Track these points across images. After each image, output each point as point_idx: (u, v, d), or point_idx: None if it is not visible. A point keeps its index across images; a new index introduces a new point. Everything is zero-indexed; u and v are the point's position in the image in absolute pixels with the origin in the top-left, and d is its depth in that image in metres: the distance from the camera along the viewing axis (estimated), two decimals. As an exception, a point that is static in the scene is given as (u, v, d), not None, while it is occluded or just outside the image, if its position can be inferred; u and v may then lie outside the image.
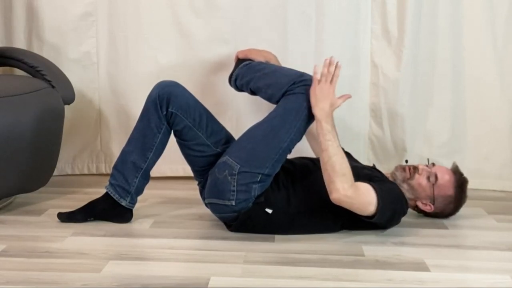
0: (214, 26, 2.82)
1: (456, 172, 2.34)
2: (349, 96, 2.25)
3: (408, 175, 2.29)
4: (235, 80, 2.50)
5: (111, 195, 2.29)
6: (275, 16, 2.81)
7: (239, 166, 2.16)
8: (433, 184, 2.28)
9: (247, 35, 2.82)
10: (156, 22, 2.84)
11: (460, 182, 2.32)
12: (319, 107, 2.16)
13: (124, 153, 2.32)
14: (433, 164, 2.34)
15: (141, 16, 2.84)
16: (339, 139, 2.17)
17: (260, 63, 2.49)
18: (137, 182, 2.30)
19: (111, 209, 2.30)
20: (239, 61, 2.57)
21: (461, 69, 2.82)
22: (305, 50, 2.82)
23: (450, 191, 2.31)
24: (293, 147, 2.23)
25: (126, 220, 2.32)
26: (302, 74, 2.27)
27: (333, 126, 2.16)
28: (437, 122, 2.88)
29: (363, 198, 2.10)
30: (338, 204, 2.10)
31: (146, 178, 2.33)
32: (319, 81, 2.19)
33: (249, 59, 2.53)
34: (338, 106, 2.20)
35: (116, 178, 2.30)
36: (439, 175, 2.29)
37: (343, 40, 2.83)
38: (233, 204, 2.17)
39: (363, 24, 2.83)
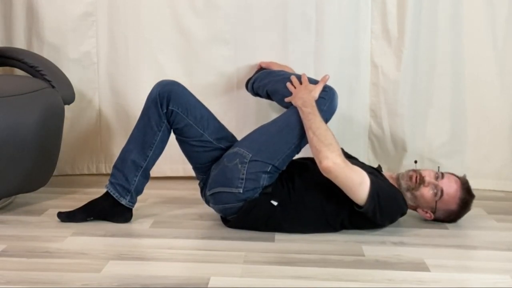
0: (214, 26, 2.82)
1: (464, 188, 2.28)
2: (326, 79, 2.33)
3: (413, 185, 2.26)
4: (253, 82, 2.60)
5: (111, 193, 2.29)
6: (275, 16, 2.81)
7: (251, 155, 2.20)
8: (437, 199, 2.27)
9: (247, 35, 2.82)
10: (156, 22, 2.84)
11: (465, 200, 2.28)
12: (298, 97, 2.27)
13: (124, 152, 2.32)
14: (442, 175, 2.28)
15: (141, 16, 2.83)
16: (335, 136, 2.18)
17: (280, 70, 2.60)
18: (137, 180, 2.30)
19: (111, 208, 2.30)
20: (260, 69, 2.72)
21: (461, 69, 2.82)
22: (305, 50, 2.82)
23: (453, 206, 2.29)
24: (303, 146, 2.26)
25: (126, 220, 2.32)
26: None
27: (313, 107, 2.22)
28: (437, 122, 2.87)
29: (354, 174, 2.12)
30: (328, 175, 2.11)
31: (146, 177, 2.33)
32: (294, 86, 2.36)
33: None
34: (319, 91, 2.27)
35: (116, 177, 2.30)
36: (445, 190, 2.24)
37: (343, 40, 2.83)
38: (241, 191, 2.18)
39: (363, 24, 2.83)
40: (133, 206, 2.33)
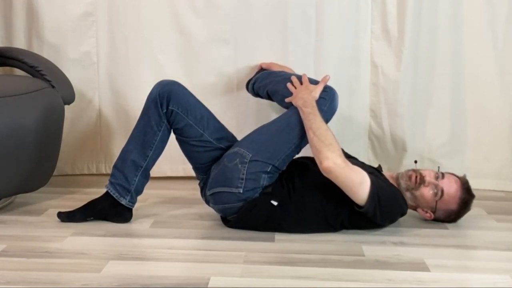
0: (214, 26, 2.82)
1: (464, 188, 2.28)
2: (327, 79, 2.33)
3: (413, 185, 2.26)
4: (254, 83, 2.61)
5: (111, 193, 2.29)
6: (275, 16, 2.81)
7: (251, 155, 2.20)
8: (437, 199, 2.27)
9: (247, 35, 2.82)
10: (156, 22, 2.84)
11: (465, 200, 2.29)
12: (299, 97, 2.27)
13: (124, 152, 2.32)
14: (443, 175, 2.29)
15: (141, 16, 2.83)
16: (335, 136, 2.18)
17: (281, 71, 2.60)
18: (137, 180, 2.30)
19: (110, 208, 2.30)
20: (261, 69, 2.72)
21: (461, 69, 2.82)
22: (305, 50, 2.82)
23: (453, 206, 2.29)
24: (304, 146, 2.27)
25: (126, 220, 2.32)
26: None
27: (314, 107, 2.22)
28: (437, 122, 2.87)
29: (354, 175, 2.12)
30: (328, 175, 2.11)
31: (146, 177, 2.33)
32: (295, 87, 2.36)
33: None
34: (319, 91, 2.28)
35: (116, 177, 2.31)
36: (445, 190, 2.24)
37: (343, 40, 2.83)
38: (241, 191, 2.18)
39: (363, 24, 2.82)
40: (133, 206, 2.33)
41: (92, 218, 2.32)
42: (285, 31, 2.81)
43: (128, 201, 2.31)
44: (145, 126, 2.29)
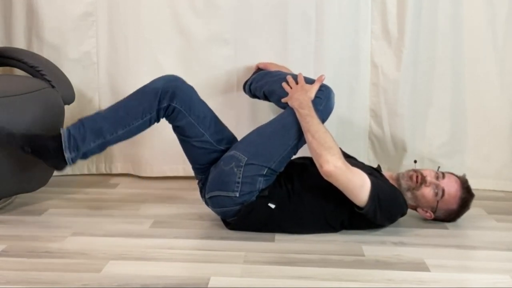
0: (214, 26, 2.82)
1: (464, 187, 2.29)
2: (322, 79, 2.31)
3: (414, 184, 2.26)
4: (250, 84, 2.59)
5: (62, 140, 2.19)
6: (275, 16, 2.80)
7: (246, 158, 2.18)
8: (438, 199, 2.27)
9: (247, 35, 2.82)
10: (156, 22, 2.83)
11: (466, 199, 2.29)
12: (294, 98, 2.25)
13: (100, 115, 2.25)
14: (443, 175, 2.29)
15: (141, 16, 2.83)
16: (334, 140, 2.17)
17: (278, 71, 2.58)
18: (91, 147, 2.22)
19: (52, 151, 2.19)
20: (258, 70, 2.70)
21: (461, 69, 2.82)
22: (305, 50, 2.82)
23: (453, 206, 2.29)
24: (300, 147, 2.26)
25: (57, 168, 2.23)
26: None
27: (310, 108, 2.20)
28: (437, 122, 2.87)
29: (355, 177, 2.11)
30: (329, 179, 2.10)
31: (101, 149, 2.25)
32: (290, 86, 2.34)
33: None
34: (315, 91, 2.26)
35: (77, 130, 2.21)
36: (446, 190, 2.25)
37: (343, 40, 2.83)
38: (237, 195, 2.17)
39: (363, 24, 2.82)
40: (71, 164, 2.22)
41: (29, 150, 2.19)
42: (285, 31, 2.81)
43: (71, 157, 2.20)
44: (132, 108, 2.23)
